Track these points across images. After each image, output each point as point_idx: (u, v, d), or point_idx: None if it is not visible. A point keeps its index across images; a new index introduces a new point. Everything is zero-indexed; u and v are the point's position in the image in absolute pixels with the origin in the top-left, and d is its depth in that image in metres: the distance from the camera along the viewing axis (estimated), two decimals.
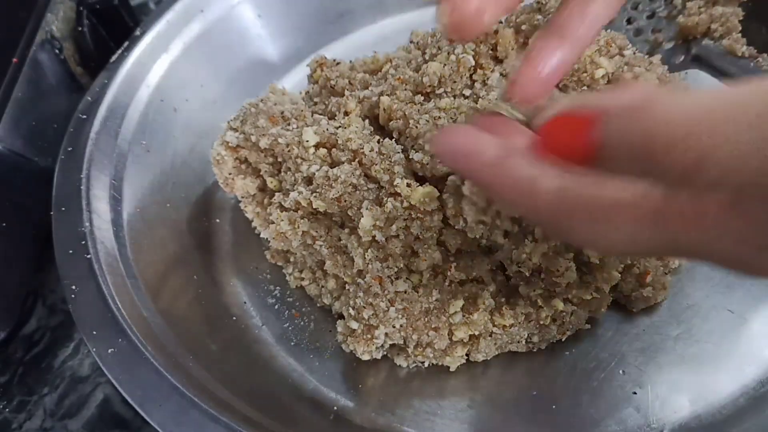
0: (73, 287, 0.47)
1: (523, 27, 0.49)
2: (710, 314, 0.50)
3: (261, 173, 0.54)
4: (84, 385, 0.54)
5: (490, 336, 0.48)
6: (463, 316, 0.47)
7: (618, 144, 0.24)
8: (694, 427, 0.45)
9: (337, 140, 0.48)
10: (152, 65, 0.61)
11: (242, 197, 0.55)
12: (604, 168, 0.25)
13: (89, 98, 0.58)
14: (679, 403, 0.47)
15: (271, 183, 0.53)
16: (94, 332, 0.44)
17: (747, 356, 0.48)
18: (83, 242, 0.49)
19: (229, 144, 0.53)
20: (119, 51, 0.61)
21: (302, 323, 0.54)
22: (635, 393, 0.47)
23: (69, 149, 0.55)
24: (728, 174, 0.22)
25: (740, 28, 0.54)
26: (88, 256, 0.48)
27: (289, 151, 0.49)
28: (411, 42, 0.58)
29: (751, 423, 0.44)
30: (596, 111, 0.25)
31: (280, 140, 0.50)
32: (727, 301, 0.51)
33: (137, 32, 0.62)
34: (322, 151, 0.48)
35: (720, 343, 0.49)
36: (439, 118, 0.48)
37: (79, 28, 0.64)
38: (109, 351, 0.43)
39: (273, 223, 0.50)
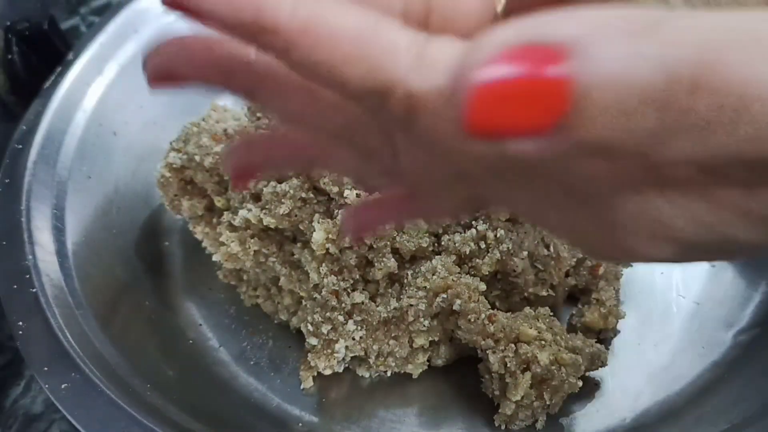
0: (20, 323, 0.45)
1: None
2: (663, 301, 0.52)
3: (208, 193, 0.53)
4: (39, 423, 0.53)
5: (450, 341, 0.48)
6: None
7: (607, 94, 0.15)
8: (656, 413, 0.46)
9: None
10: (87, 89, 0.60)
11: (190, 218, 0.54)
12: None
13: (24, 127, 0.56)
14: (639, 390, 0.47)
15: (219, 202, 0.52)
16: (45, 368, 0.43)
17: (702, 339, 0.49)
18: (27, 276, 0.48)
19: (173, 165, 0.52)
20: (52, 77, 0.59)
21: (260, 341, 0.53)
22: (596, 384, 0.48)
23: (6, 181, 0.53)
24: None
25: None
26: (34, 290, 0.47)
27: None
28: None
29: (709, 404, 0.45)
30: (563, 42, 0.15)
31: None
32: (677, 287, 0.52)
33: (70, 56, 0.61)
34: None
35: (675, 328, 0.50)
36: None
37: (9, 56, 0.62)
38: (63, 386, 0.42)
39: (223, 244, 0.50)
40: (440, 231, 0.48)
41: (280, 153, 0.24)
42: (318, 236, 0.45)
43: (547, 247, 0.48)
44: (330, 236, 0.45)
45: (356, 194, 0.45)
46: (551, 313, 0.47)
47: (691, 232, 0.18)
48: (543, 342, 0.44)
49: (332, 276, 0.46)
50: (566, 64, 0.15)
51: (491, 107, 0.15)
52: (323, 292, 0.46)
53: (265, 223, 0.47)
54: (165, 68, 0.20)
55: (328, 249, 0.46)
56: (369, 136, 0.19)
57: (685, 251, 0.20)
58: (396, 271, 0.47)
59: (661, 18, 0.15)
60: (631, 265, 0.52)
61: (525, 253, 0.47)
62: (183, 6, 0.18)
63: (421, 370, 0.49)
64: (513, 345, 0.44)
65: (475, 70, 0.15)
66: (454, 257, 0.47)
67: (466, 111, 0.15)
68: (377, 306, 0.46)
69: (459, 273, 0.46)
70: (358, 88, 0.17)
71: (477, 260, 0.46)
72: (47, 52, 0.63)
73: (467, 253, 0.46)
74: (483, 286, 0.45)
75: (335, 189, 0.46)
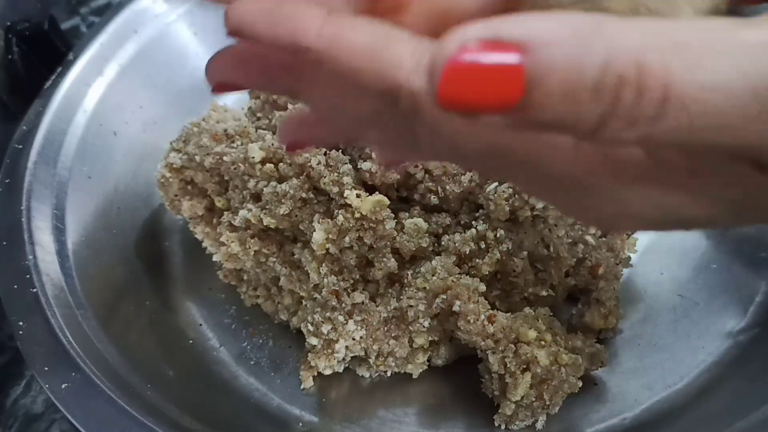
0: (20, 323, 0.45)
1: None
2: (663, 301, 0.52)
3: (208, 193, 0.53)
4: (39, 423, 0.53)
5: (450, 341, 0.48)
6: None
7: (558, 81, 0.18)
8: (654, 412, 0.46)
9: (283, 155, 0.48)
10: (88, 89, 0.60)
11: (190, 218, 0.54)
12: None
13: (24, 127, 0.56)
14: (638, 390, 0.47)
15: (219, 202, 0.52)
16: (46, 368, 0.43)
17: (701, 339, 0.49)
18: (27, 276, 0.48)
19: (173, 166, 0.52)
20: (52, 77, 0.60)
21: (260, 341, 0.53)
22: (596, 384, 0.48)
23: (6, 181, 0.53)
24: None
25: None
26: (34, 290, 0.47)
27: (235, 168, 0.49)
28: None
29: (709, 404, 0.45)
30: (519, 39, 0.18)
31: (225, 158, 0.49)
32: (677, 287, 0.52)
33: (70, 57, 0.61)
34: (269, 166, 0.48)
35: (674, 327, 0.50)
36: None
37: (9, 56, 0.62)
38: (63, 386, 0.42)
39: (224, 244, 0.50)
40: (440, 231, 0.48)
41: (324, 133, 0.29)
42: (318, 236, 0.45)
43: (547, 247, 0.48)
44: (330, 236, 0.45)
45: (356, 194, 0.45)
46: (551, 314, 0.47)
47: (652, 214, 0.22)
48: (543, 342, 0.44)
49: (332, 276, 0.46)
50: (521, 56, 0.18)
51: (460, 83, 0.18)
52: (323, 292, 0.46)
53: (265, 223, 0.47)
54: (224, 79, 0.26)
55: (328, 249, 0.46)
56: (393, 122, 0.23)
57: (651, 227, 0.24)
58: (396, 271, 0.47)
59: (600, 21, 0.18)
60: (632, 265, 0.52)
61: (525, 253, 0.47)
62: (239, 33, 0.24)
63: (421, 370, 0.49)
64: (513, 345, 0.44)
65: (448, 54, 0.18)
66: (454, 257, 0.47)
67: (439, 85, 0.18)
68: (377, 306, 0.46)
69: (459, 274, 0.46)
70: (375, 89, 0.21)
71: (477, 260, 0.46)
72: (47, 52, 0.63)
73: (467, 253, 0.46)
74: (483, 287, 0.45)
75: (335, 190, 0.46)
